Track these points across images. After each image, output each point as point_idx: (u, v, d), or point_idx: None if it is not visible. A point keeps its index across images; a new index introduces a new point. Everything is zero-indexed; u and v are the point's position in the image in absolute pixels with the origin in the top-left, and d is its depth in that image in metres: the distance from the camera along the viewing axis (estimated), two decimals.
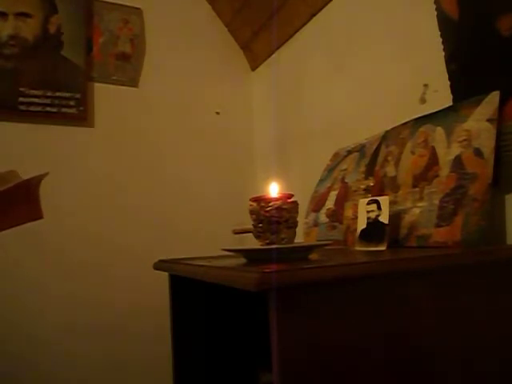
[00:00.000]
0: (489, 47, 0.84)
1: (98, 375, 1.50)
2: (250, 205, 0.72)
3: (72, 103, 1.56)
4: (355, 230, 0.92)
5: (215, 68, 1.88)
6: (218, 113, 1.86)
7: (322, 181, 1.24)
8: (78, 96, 1.57)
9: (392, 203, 0.89)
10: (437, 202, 0.80)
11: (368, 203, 0.89)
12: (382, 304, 0.58)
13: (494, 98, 0.78)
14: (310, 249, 0.71)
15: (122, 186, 1.63)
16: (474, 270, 0.67)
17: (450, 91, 0.92)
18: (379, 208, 0.86)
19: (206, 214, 1.76)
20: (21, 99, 1.49)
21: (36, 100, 1.51)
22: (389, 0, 1.15)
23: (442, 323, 0.62)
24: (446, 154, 0.82)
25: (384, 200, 0.86)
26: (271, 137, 1.79)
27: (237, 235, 1.19)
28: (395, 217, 0.87)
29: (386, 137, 1.04)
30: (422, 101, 1.02)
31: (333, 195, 1.14)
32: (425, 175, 0.86)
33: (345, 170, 1.15)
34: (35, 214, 0.57)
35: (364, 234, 0.89)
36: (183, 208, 1.73)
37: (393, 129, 1.03)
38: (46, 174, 0.63)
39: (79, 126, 1.59)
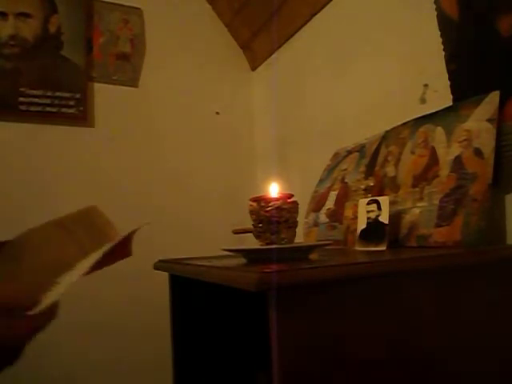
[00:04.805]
0: (488, 47, 0.84)
1: (98, 374, 1.50)
2: (250, 205, 0.72)
3: (72, 103, 1.56)
4: (355, 229, 0.92)
5: (215, 68, 1.88)
6: (217, 113, 1.86)
7: (321, 181, 1.24)
8: (78, 96, 1.57)
9: (392, 203, 0.89)
10: (437, 202, 0.80)
11: (368, 203, 0.89)
12: (382, 304, 0.58)
13: (494, 98, 0.78)
14: (310, 249, 0.71)
15: (121, 186, 1.63)
16: (474, 269, 0.67)
17: (450, 91, 0.92)
18: (379, 208, 0.86)
19: (206, 214, 1.76)
20: (21, 99, 1.48)
21: (36, 100, 1.51)
22: (389, 0, 1.15)
23: (442, 323, 0.62)
24: (446, 154, 0.82)
25: (384, 200, 0.86)
26: (271, 137, 1.79)
27: (237, 235, 1.19)
28: (395, 217, 0.87)
29: (386, 137, 1.04)
30: (422, 101, 1.02)
31: (333, 195, 1.14)
32: (425, 175, 0.86)
33: (345, 170, 1.15)
34: (126, 255, 0.55)
35: (364, 234, 0.89)
36: (183, 208, 1.73)
37: (393, 129, 1.03)
38: (148, 223, 0.57)
39: (79, 126, 1.59)
